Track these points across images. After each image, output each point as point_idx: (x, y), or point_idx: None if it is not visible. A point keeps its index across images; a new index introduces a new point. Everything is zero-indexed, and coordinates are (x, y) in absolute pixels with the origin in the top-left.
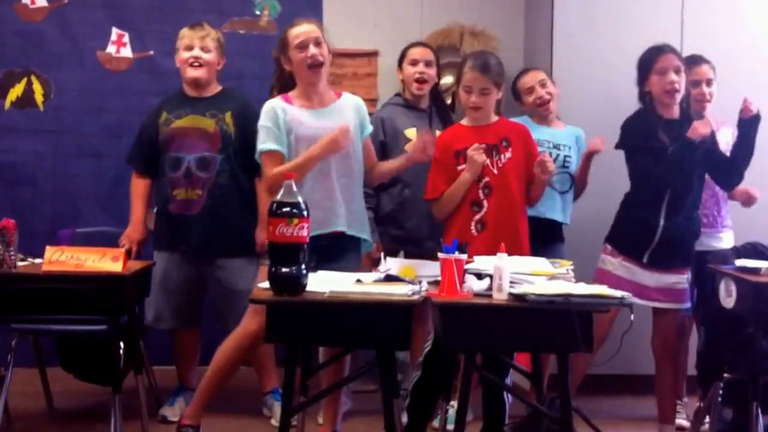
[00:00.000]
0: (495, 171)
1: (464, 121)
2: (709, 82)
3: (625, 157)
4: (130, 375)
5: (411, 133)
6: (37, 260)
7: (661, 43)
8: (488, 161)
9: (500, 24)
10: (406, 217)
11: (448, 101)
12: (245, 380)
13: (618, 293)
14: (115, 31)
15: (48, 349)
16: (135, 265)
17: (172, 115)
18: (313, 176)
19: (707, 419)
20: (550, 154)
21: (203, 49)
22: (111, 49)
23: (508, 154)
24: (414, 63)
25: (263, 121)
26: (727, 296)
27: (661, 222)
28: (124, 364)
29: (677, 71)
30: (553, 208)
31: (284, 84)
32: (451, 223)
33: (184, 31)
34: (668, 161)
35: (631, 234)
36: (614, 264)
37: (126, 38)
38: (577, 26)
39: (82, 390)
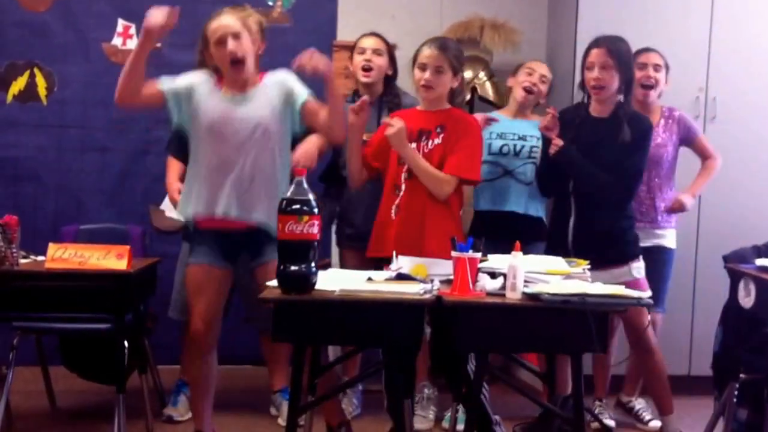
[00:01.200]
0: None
1: (419, 106)
2: (656, 67)
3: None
4: (134, 374)
5: None
6: (40, 258)
7: (602, 36)
8: (414, 146)
9: (522, 17)
10: (354, 214)
11: (467, 96)
12: (252, 378)
13: (635, 293)
14: (121, 23)
15: (50, 347)
16: (140, 262)
17: None
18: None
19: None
20: (515, 146)
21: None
22: (117, 41)
23: (437, 141)
24: (362, 52)
25: (187, 76)
26: (746, 296)
27: (571, 221)
28: (128, 363)
29: (603, 67)
30: (518, 202)
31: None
32: (381, 203)
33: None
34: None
35: (552, 239)
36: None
37: (132, 30)
38: (603, 20)
39: (85, 389)
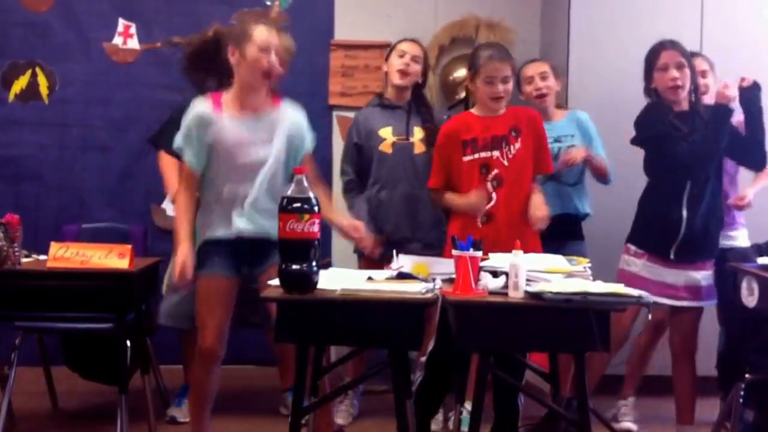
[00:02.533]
0: (505, 163)
1: (474, 110)
2: (703, 74)
3: (644, 151)
4: (136, 375)
5: (385, 132)
6: (42, 257)
7: (665, 39)
8: (497, 153)
9: (516, 16)
10: (384, 220)
11: (462, 95)
12: (260, 379)
13: (636, 292)
14: (122, 22)
15: (53, 347)
16: (142, 262)
17: None
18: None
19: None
20: (551, 150)
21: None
22: (118, 40)
23: (518, 145)
24: (401, 54)
25: (189, 122)
26: (749, 295)
27: (684, 214)
28: (130, 363)
29: (679, 67)
30: (565, 205)
31: (210, 63)
32: (453, 216)
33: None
34: (697, 144)
35: (654, 230)
36: (638, 265)
37: (133, 29)
38: (595, 19)
39: (87, 389)
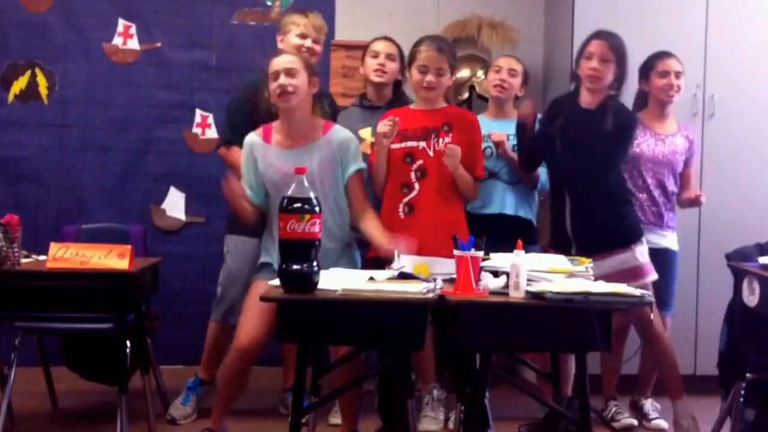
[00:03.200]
0: (431, 154)
1: (413, 105)
2: (677, 75)
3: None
4: (136, 375)
5: (365, 133)
6: (42, 257)
7: (604, 30)
8: (424, 144)
9: (520, 16)
10: None
11: (465, 95)
12: (260, 379)
13: (638, 292)
14: (121, 23)
15: (52, 347)
16: (142, 262)
17: None
18: None
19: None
20: (497, 147)
21: (315, 41)
22: (117, 40)
23: (448, 139)
24: (375, 55)
25: (243, 157)
26: (750, 294)
27: (567, 211)
28: (130, 363)
29: (603, 59)
30: (505, 203)
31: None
32: (383, 205)
33: (298, 18)
34: (557, 150)
35: (552, 232)
36: None
37: (133, 30)
38: (599, 18)
39: (87, 390)
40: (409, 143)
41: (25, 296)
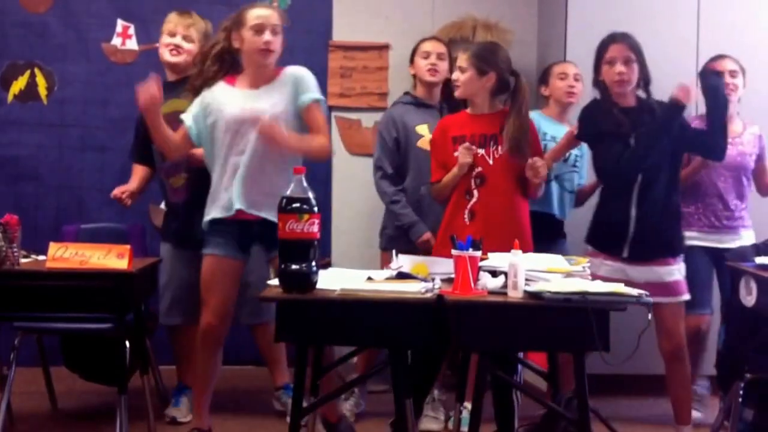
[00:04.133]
0: (490, 161)
1: (469, 109)
2: (732, 73)
3: (589, 148)
4: (135, 375)
5: (422, 129)
6: (41, 257)
7: (616, 32)
8: (483, 151)
9: (514, 17)
10: (426, 214)
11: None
12: (259, 379)
13: (635, 291)
14: (120, 23)
15: (52, 348)
16: (141, 262)
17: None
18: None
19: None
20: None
21: (186, 38)
22: (116, 41)
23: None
24: (426, 56)
25: (201, 96)
26: (747, 294)
27: (633, 212)
28: (129, 363)
29: (626, 61)
30: (550, 203)
31: (225, 56)
32: (446, 210)
33: (171, 16)
34: (638, 142)
35: (605, 230)
36: (596, 265)
37: (131, 30)
38: (592, 19)
39: (86, 390)
40: None
41: (25, 296)
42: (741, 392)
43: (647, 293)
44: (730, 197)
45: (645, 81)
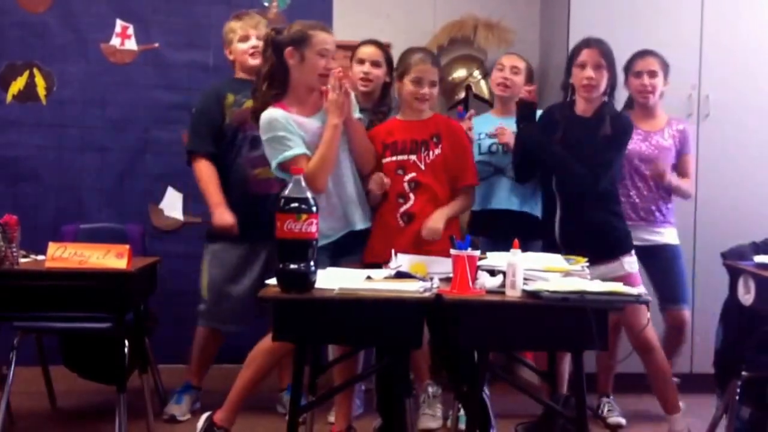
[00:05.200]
0: (422, 167)
1: (399, 115)
2: (651, 74)
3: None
4: (134, 374)
5: None
6: (40, 257)
7: (591, 37)
8: (414, 157)
9: (516, 16)
10: None
11: (461, 95)
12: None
13: (634, 290)
14: (119, 23)
15: (51, 347)
16: (140, 262)
17: (240, 96)
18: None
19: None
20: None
21: (258, 37)
22: (115, 41)
23: (437, 151)
24: (360, 62)
25: (274, 131)
26: (746, 293)
27: (557, 217)
28: (128, 362)
29: (597, 67)
30: (511, 200)
31: (276, 75)
32: (377, 213)
33: (234, 24)
34: (549, 156)
35: (548, 238)
36: None
37: (130, 30)
38: (595, 20)
39: (85, 389)
40: (400, 157)
41: (24, 296)
42: (738, 390)
43: (646, 292)
44: (645, 190)
45: (611, 88)
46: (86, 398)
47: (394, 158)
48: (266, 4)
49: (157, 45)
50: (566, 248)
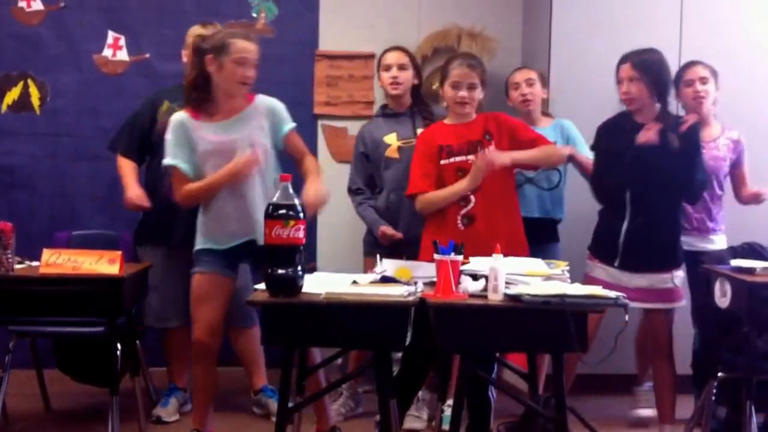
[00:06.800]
0: None
1: (446, 120)
2: (702, 80)
3: (594, 158)
4: (126, 376)
5: (390, 138)
6: (35, 263)
7: (631, 51)
8: (472, 158)
9: (498, 25)
10: (396, 221)
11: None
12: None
13: (612, 294)
14: (111, 35)
15: (45, 350)
16: (131, 267)
17: (176, 104)
18: (226, 191)
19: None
20: None
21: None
22: (107, 52)
23: (492, 147)
24: (387, 68)
25: (168, 135)
26: (722, 296)
27: (624, 225)
28: (121, 365)
29: (631, 80)
30: (542, 206)
31: (198, 81)
32: (434, 216)
33: (197, 29)
34: (625, 164)
35: (600, 239)
36: (594, 268)
37: (122, 41)
38: (576, 28)
39: (79, 391)
40: (458, 158)
41: (19, 301)
42: (714, 391)
43: (624, 295)
44: (704, 200)
45: (659, 95)
46: (79, 400)
47: (452, 160)
48: (254, 15)
49: (148, 56)
50: (625, 256)
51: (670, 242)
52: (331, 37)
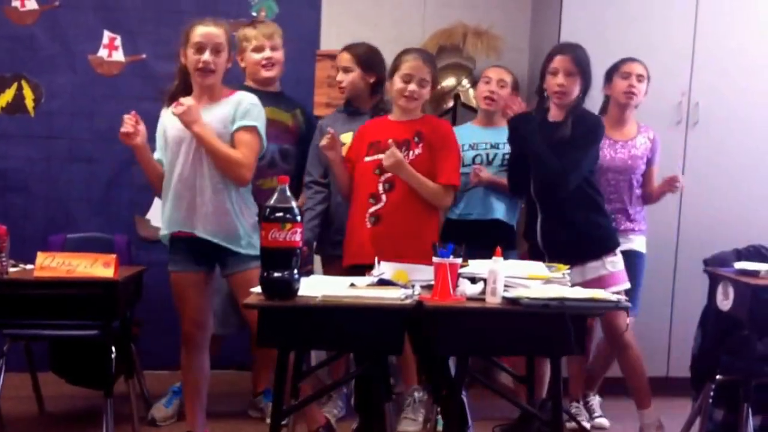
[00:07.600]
0: None
1: (391, 115)
2: (639, 78)
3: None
4: (120, 379)
5: (346, 137)
6: (29, 266)
7: (567, 43)
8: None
9: (505, 24)
10: (340, 220)
11: (450, 103)
12: (240, 383)
13: (613, 297)
14: (106, 35)
15: (40, 354)
16: (126, 270)
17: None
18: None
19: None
20: (487, 155)
21: (273, 48)
22: (103, 52)
23: (418, 150)
24: (337, 69)
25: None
26: (724, 299)
27: (539, 224)
28: (115, 368)
29: (569, 74)
30: (496, 210)
31: (180, 74)
32: (350, 213)
33: (249, 32)
34: (528, 164)
35: (528, 242)
36: None
37: (118, 41)
38: (586, 27)
39: (73, 394)
40: (380, 156)
41: (13, 304)
42: (712, 393)
43: (626, 298)
44: (618, 199)
45: (583, 94)
46: (74, 403)
47: (374, 157)
48: (254, 14)
49: (144, 56)
50: (549, 252)
51: (591, 228)
52: (334, 37)
